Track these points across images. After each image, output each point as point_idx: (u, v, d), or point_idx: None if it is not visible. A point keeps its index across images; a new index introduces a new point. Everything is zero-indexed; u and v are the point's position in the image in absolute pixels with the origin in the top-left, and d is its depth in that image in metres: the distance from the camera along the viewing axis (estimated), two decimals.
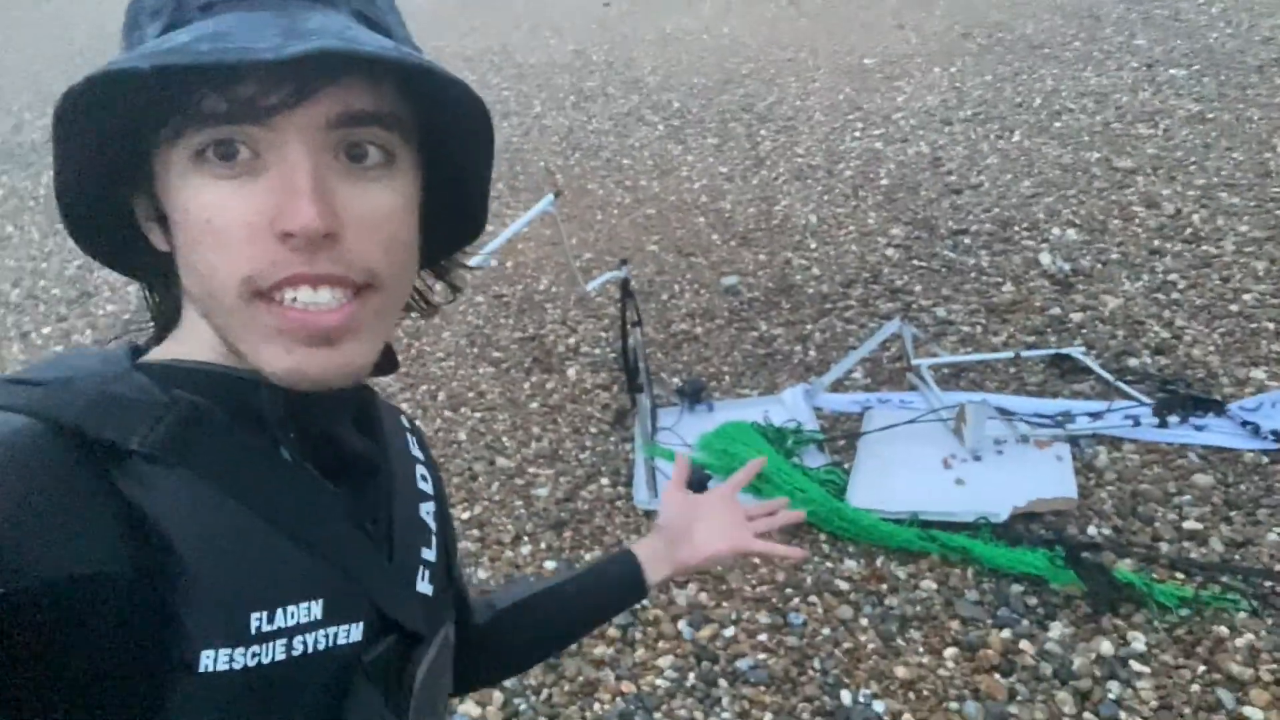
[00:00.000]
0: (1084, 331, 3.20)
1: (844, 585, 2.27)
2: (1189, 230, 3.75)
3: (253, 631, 0.50)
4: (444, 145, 0.58)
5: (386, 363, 0.62)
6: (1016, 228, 3.99)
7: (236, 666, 0.49)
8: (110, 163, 0.53)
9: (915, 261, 3.82)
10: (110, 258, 0.60)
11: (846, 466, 2.64)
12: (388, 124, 0.52)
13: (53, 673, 0.44)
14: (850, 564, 2.33)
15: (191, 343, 0.57)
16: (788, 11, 8.80)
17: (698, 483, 2.56)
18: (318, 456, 0.58)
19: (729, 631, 2.18)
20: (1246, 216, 3.78)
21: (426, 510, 0.69)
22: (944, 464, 2.61)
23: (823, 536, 2.42)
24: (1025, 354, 3.07)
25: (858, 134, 5.37)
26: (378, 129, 0.52)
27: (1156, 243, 3.70)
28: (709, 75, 6.96)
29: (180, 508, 0.49)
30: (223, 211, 0.49)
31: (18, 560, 0.42)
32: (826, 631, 2.15)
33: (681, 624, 2.20)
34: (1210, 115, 4.86)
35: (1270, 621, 2.02)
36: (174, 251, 0.54)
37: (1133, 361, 3.00)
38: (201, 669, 0.48)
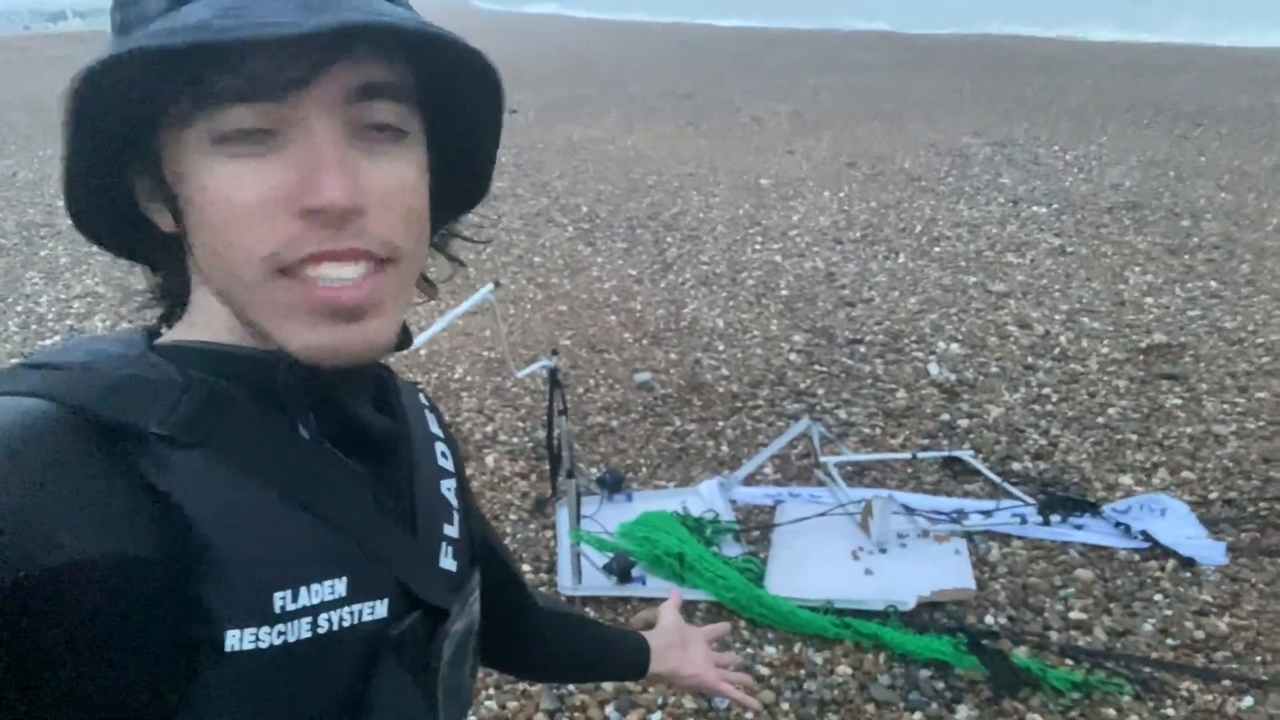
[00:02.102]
0: (971, 436, 3.46)
1: (765, 670, 2.34)
2: (1058, 349, 4.14)
3: (277, 610, 0.49)
4: (450, 113, 0.57)
5: (402, 339, 0.61)
6: (906, 340, 4.30)
7: (263, 646, 0.48)
8: (117, 143, 0.53)
9: (817, 366, 4.05)
10: (111, 241, 0.60)
11: (762, 556, 2.75)
12: (402, 95, 0.52)
13: (79, 656, 0.43)
14: (770, 650, 2.41)
15: (205, 324, 0.57)
16: (687, 130, 9.33)
17: (622, 570, 2.62)
18: (337, 435, 0.57)
19: (655, 716, 2.21)
20: (1106, 339, 4.21)
21: (447, 487, 0.69)
22: (853, 555, 2.75)
23: (743, 623, 2.50)
24: (921, 455, 3.29)
25: (758, 247, 5.70)
26: (393, 101, 0.51)
27: (1030, 359, 4.06)
28: (615, 184, 7.26)
29: (200, 489, 0.49)
30: (242, 189, 0.49)
31: (40, 543, 0.42)
32: (750, 716, 2.21)
33: (609, 709, 2.22)
34: (1070, 249, 5.42)
35: (1151, 704, 2.20)
36: (184, 233, 0.53)
37: (1016, 465, 3.25)
38: (228, 649, 0.47)
